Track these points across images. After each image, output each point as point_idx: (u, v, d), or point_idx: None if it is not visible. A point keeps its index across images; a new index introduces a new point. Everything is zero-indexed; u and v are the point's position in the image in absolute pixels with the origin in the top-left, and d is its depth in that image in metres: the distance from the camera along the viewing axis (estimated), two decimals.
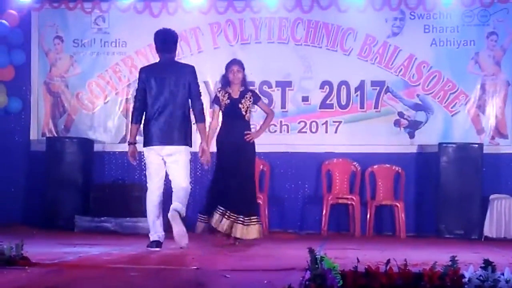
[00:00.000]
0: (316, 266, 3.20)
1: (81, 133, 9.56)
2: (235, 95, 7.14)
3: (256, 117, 8.12)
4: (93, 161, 9.43)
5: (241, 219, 6.85)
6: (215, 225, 6.76)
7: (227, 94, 7.14)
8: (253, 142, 7.21)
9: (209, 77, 9.21)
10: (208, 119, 7.11)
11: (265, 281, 3.81)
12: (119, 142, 9.58)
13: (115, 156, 9.58)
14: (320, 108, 9.33)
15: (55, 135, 9.59)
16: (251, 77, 9.08)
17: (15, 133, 9.72)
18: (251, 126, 7.45)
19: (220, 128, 7.19)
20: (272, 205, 9.09)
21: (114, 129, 9.65)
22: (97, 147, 9.49)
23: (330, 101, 9.33)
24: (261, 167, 9.09)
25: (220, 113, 7.23)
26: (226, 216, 6.77)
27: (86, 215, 8.80)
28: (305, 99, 9.38)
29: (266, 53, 9.40)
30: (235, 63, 7.23)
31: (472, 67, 9.09)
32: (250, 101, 7.15)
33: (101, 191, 8.97)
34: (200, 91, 6.48)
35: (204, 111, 6.55)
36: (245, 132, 7.11)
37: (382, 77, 9.25)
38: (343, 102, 9.29)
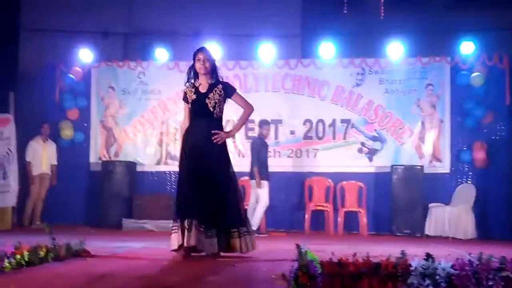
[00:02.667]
0: (302, 258, 3.19)
1: (128, 157, 9.56)
2: (203, 89, 4.79)
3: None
4: (136, 178, 9.41)
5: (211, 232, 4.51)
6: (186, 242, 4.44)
7: (194, 89, 4.82)
8: (224, 144, 4.80)
9: None
10: None
11: (264, 269, 3.81)
12: (155, 164, 9.59)
13: (152, 174, 9.58)
14: (303, 139, 9.32)
15: (108, 159, 9.58)
16: (251, 115, 9.21)
17: (79, 158, 9.69)
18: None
19: (188, 127, 4.81)
20: (268, 212, 9.04)
21: (151, 154, 9.64)
22: (139, 168, 9.48)
23: (310, 134, 9.32)
24: None
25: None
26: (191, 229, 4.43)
27: (131, 218, 8.78)
28: (292, 132, 9.36)
29: (263, 99, 9.33)
30: (201, 50, 4.85)
31: (415, 109, 9.10)
32: (220, 95, 4.74)
33: (142, 200, 8.94)
34: None
35: None
36: (213, 132, 4.68)
37: (349, 116, 9.24)
38: (320, 135, 9.28)
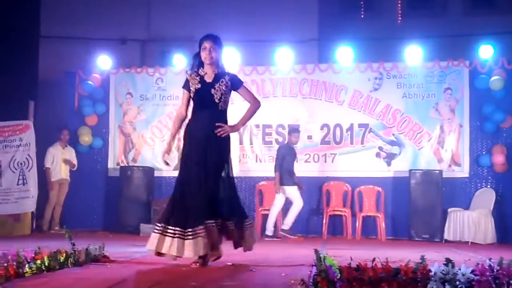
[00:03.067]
0: (321, 263, 3.19)
1: (145, 163, 9.61)
2: (209, 78, 4.44)
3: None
4: (154, 183, 9.44)
5: (229, 224, 4.44)
6: (165, 249, 4.21)
7: (198, 77, 4.46)
8: (228, 137, 4.51)
9: (237, 121, 9.23)
10: None
11: (283, 274, 3.80)
12: (173, 169, 9.60)
13: (170, 180, 9.56)
14: (320, 144, 9.29)
15: (126, 164, 9.63)
16: (268, 120, 9.32)
17: (97, 163, 9.78)
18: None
19: (189, 119, 4.56)
20: (286, 216, 9.04)
21: (169, 160, 9.65)
22: (156, 173, 9.50)
23: (328, 138, 9.29)
24: None
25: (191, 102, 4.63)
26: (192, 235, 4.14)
27: (149, 223, 8.76)
28: (309, 137, 9.33)
29: (281, 104, 9.41)
30: (208, 38, 4.46)
31: (434, 113, 9.03)
32: (226, 87, 4.44)
33: (159, 205, 8.93)
34: None
35: None
36: (217, 124, 4.37)
37: (366, 121, 9.20)
38: (338, 139, 9.25)
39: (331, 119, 9.28)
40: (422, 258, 3.25)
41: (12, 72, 9.37)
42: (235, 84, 4.53)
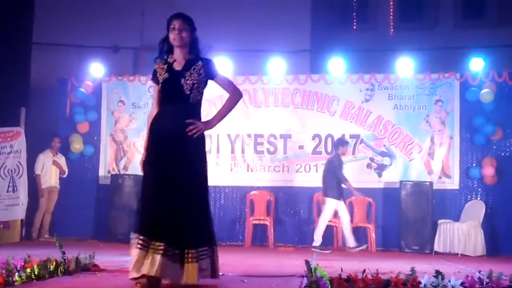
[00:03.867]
0: (311, 274, 3.20)
1: (136, 171, 9.47)
2: (178, 65, 3.71)
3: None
4: None
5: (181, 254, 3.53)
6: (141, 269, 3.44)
7: (166, 65, 3.73)
8: (202, 138, 3.74)
9: (229, 130, 9.28)
10: None
11: (274, 285, 3.80)
12: None
13: None
14: (312, 154, 9.28)
15: (118, 172, 9.58)
16: (260, 129, 9.35)
17: (88, 171, 9.74)
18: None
19: (155, 115, 3.75)
20: (276, 226, 9.06)
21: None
22: None
23: (319, 149, 9.29)
24: (268, 197, 9.10)
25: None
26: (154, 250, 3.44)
27: None
28: (301, 147, 9.32)
29: (273, 114, 9.43)
30: (177, 16, 3.72)
31: (424, 125, 9.06)
32: (199, 74, 3.69)
33: None
34: None
35: None
36: (187, 121, 3.61)
37: (358, 131, 9.21)
38: (329, 150, 9.23)
39: (322, 130, 9.29)
40: (412, 269, 3.27)
41: (3, 79, 9.34)
42: (210, 71, 3.75)
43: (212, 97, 8.06)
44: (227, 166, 9.43)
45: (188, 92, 3.66)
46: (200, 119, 3.74)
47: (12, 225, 8.45)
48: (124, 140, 9.72)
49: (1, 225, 8.27)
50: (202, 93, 3.76)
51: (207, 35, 10.22)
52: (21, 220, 8.65)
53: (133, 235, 3.60)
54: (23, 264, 3.79)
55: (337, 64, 9.32)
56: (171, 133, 3.63)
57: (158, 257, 3.42)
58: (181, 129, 3.61)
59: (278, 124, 9.41)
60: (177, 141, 3.62)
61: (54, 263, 3.99)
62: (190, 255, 3.53)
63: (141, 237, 3.49)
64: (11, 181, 8.32)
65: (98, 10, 10.80)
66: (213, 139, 9.36)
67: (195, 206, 3.63)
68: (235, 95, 3.85)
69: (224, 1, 11.04)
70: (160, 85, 3.74)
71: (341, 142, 8.69)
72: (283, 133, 9.34)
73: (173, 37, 3.69)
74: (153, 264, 3.41)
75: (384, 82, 9.23)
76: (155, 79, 3.79)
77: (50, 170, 9.16)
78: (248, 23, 10.92)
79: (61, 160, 9.33)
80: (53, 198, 9.21)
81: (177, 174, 3.59)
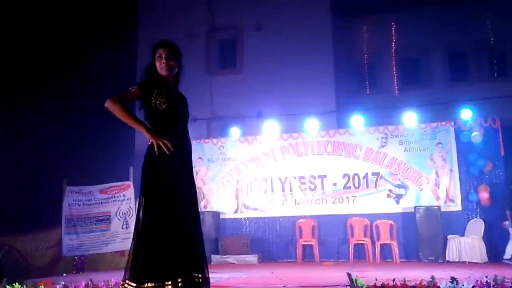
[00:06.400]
0: (353, 284, 3.17)
1: (213, 208, 9.68)
2: (175, 93, 2.86)
3: None
4: (220, 224, 9.46)
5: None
6: None
7: (164, 91, 2.75)
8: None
9: (280, 174, 9.31)
10: None
11: None
12: (234, 212, 9.69)
13: (232, 220, 9.65)
14: (343, 188, 9.18)
15: (200, 210, 9.69)
16: (303, 172, 9.35)
17: None
18: None
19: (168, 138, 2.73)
20: (320, 245, 8.94)
21: (230, 205, 9.75)
22: (221, 216, 9.56)
23: (349, 184, 9.19)
24: (312, 224, 9.03)
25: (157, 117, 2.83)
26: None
27: (217, 254, 8.80)
28: (334, 184, 9.24)
29: (311, 160, 9.42)
30: (164, 45, 2.80)
31: (429, 162, 8.86)
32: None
33: (225, 240, 8.96)
34: None
35: None
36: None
37: (378, 170, 9.09)
38: (356, 185, 9.14)
39: (350, 170, 9.21)
40: (432, 277, 3.21)
41: (114, 145, 9.68)
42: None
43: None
44: (279, 201, 9.45)
45: (188, 118, 2.94)
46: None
47: (126, 253, 8.62)
48: (203, 186, 9.84)
49: (119, 254, 8.46)
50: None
51: (260, 104, 10.56)
52: None
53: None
54: None
55: (357, 120, 9.32)
56: (187, 157, 2.81)
57: None
58: (190, 152, 2.87)
59: (316, 168, 9.39)
60: (189, 164, 2.83)
61: None
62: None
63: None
64: (124, 220, 8.56)
65: None
66: (267, 181, 9.45)
67: (199, 230, 2.81)
68: None
69: (269, 78, 11.32)
70: (164, 105, 2.75)
71: None
72: (320, 174, 9.31)
73: (160, 65, 2.80)
74: None
75: (395, 131, 9.15)
76: (143, 87, 2.74)
77: None
78: (289, 94, 11.14)
79: None
80: None
81: (190, 203, 2.76)
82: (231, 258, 8.57)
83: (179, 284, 2.53)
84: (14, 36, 8.78)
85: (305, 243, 8.93)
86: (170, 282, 2.52)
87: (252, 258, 8.49)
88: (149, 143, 2.73)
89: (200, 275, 2.63)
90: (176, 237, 2.58)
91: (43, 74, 9.06)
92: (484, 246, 8.00)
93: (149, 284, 2.51)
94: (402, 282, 3.16)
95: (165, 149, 2.63)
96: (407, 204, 8.81)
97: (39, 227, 7.96)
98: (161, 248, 2.54)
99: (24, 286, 3.41)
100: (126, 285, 2.56)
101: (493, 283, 2.93)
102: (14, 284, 3.29)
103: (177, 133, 2.78)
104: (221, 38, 12.12)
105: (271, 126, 9.68)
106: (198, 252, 2.68)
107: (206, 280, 2.67)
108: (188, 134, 2.91)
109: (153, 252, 2.54)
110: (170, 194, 2.63)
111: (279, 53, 11.38)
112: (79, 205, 8.38)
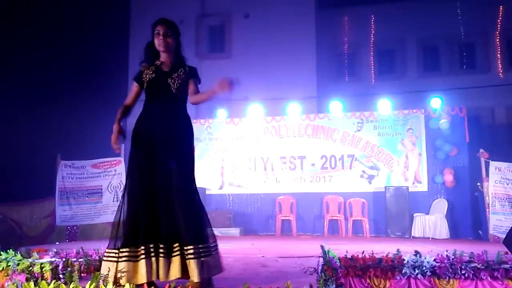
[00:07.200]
0: (326, 255, 3.18)
1: (199, 184, 9.54)
2: (165, 67, 2.75)
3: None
4: (206, 199, 9.28)
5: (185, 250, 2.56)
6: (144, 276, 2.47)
7: (153, 67, 2.74)
8: (191, 135, 2.76)
9: (262, 154, 9.27)
10: None
11: (299, 263, 3.78)
12: (219, 189, 9.64)
13: (216, 196, 9.56)
14: (321, 169, 9.21)
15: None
16: (284, 153, 9.33)
17: None
18: None
19: (140, 114, 2.73)
20: (298, 220, 9.00)
21: (215, 182, 9.63)
22: (207, 191, 9.41)
23: (326, 165, 9.21)
24: (291, 200, 9.06)
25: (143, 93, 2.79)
26: (155, 254, 2.52)
27: None
28: (313, 164, 9.26)
29: (292, 142, 9.41)
30: (162, 22, 2.72)
31: (400, 146, 8.93)
32: (185, 75, 2.74)
33: (210, 214, 8.88)
34: None
35: None
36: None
37: (353, 152, 9.12)
38: (333, 166, 9.17)
39: (327, 152, 9.23)
40: (398, 250, 3.22)
41: (107, 122, 9.50)
42: (193, 73, 2.78)
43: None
44: (261, 179, 9.44)
45: (175, 91, 2.70)
46: (187, 115, 2.78)
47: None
48: None
49: (109, 225, 8.39)
50: (186, 92, 2.77)
51: (246, 89, 10.47)
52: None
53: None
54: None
55: (336, 106, 9.31)
56: (159, 129, 2.63)
57: (159, 261, 2.52)
58: (169, 126, 2.65)
59: (296, 149, 9.39)
60: (165, 138, 2.62)
61: None
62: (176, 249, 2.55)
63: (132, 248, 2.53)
64: (115, 194, 8.48)
65: None
66: (251, 160, 9.41)
67: (184, 203, 2.61)
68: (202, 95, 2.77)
69: (255, 64, 11.20)
70: (145, 84, 2.73)
71: None
72: (300, 155, 9.31)
73: (158, 42, 2.72)
74: (158, 268, 2.52)
75: (370, 117, 9.16)
76: (138, 79, 2.77)
77: None
78: (272, 79, 11.05)
79: None
80: None
81: (165, 174, 2.56)
82: (215, 231, 8.29)
83: (151, 250, 2.53)
84: (5, 14, 8.46)
85: (284, 218, 8.98)
86: (143, 247, 2.54)
87: (235, 231, 8.51)
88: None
89: (175, 245, 2.57)
90: (140, 207, 2.57)
91: (36, 48, 8.78)
92: (447, 224, 8.14)
93: (124, 250, 2.55)
94: (370, 255, 3.17)
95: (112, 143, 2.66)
96: (378, 184, 8.89)
97: (34, 198, 7.84)
98: (128, 217, 2.59)
99: (18, 253, 3.36)
100: (106, 254, 2.63)
101: (453, 257, 2.96)
102: (8, 251, 3.24)
103: (155, 107, 2.71)
104: (210, 24, 11.91)
105: (255, 109, 9.61)
106: (171, 223, 2.54)
107: (207, 249, 2.66)
108: (178, 109, 2.72)
109: (126, 221, 2.60)
110: (137, 168, 2.63)
111: (265, 41, 11.26)
112: (72, 178, 8.26)
